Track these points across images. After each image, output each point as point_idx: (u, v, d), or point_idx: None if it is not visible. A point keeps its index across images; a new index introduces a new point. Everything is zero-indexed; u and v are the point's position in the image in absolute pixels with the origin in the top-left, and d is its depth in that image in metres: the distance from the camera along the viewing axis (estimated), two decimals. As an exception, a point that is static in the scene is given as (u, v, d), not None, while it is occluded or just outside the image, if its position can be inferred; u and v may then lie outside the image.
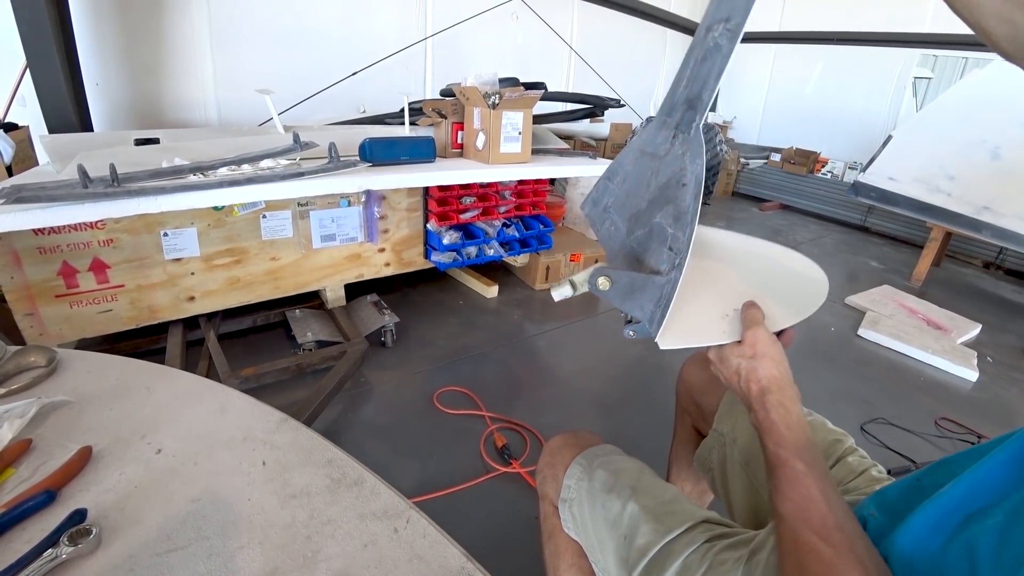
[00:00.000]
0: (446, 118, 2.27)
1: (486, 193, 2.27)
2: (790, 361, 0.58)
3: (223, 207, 1.76)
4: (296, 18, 3.28)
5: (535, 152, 2.39)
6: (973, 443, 1.75)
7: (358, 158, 1.97)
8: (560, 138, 3.02)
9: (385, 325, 2.02)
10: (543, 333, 2.29)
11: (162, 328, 1.82)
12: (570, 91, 4.30)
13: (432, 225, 2.22)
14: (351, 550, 0.50)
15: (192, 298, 1.82)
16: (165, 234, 1.70)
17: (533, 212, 2.47)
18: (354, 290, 2.23)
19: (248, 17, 3.10)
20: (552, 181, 3.17)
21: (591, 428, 0.92)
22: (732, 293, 0.64)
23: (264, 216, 1.87)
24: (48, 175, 1.65)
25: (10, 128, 2.23)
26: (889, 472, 0.72)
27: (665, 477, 1.12)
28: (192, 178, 1.56)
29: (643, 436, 1.64)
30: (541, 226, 2.48)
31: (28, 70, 2.30)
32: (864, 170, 3.16)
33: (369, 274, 2.24)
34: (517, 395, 1.83)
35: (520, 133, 2.17)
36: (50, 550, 0.46)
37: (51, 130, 2.28)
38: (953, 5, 0.39)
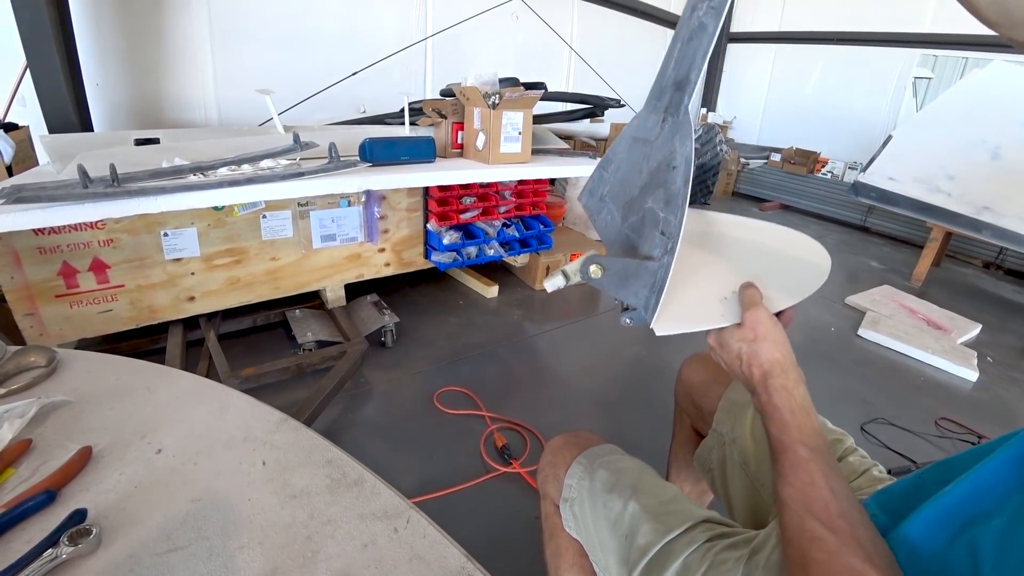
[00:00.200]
0: (446, 118, 2.27)
1: (486, 193, 2.27)
2: None
3: (223, 207, 1.76)
4: (296, 18, 3.28)
5: (535, 152, 2.39)
6: (973, 443, 1.75)
7: (358, 158, 1.97)
8: (560, 138, 3.02)
9: (385, 325, 2.02)
10: (543, 333, 2.29)
11: (162, 328, 1.82)
12: (570, 91, 4.30)
13: (432, 225, 2.22)
14: (351, 550, 0.50)
15: (192, 298, 1.82)
16: (165, 234, 1.69)
17: (533, 212, 2.47)
18: (354, 290, 2.23)
19: (248, 17, 3.10)
20: (552, 181, 3.18)
21: (591, 428, 0.92)
22: (729, 275, 0.63)
23: (264, 216, 1.86)
24: (48, 175, 1.65)
25: (10, 128, 2.23)
26: (889, 472, 0.72)
27: (665, 478, 1.12)
28: (192, 178, 1.56)
29: (643, 436, 1.64)
30: (541, 226, 2.47)
31: (28, 70, 2.30)
32: (864, 170, 3.16)
33: (369, 274, 2.24)
34: (517, 395, 1.83)
35: (520, 133, 2.17)
36: (50, 550, 0.46)
37: (51, 130, 2.28)
38: None
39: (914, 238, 4.21)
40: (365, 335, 1.94)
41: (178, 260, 1.75)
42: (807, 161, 5.10)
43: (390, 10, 3.67)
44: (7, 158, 2.04)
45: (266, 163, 1.75)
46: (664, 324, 0.57)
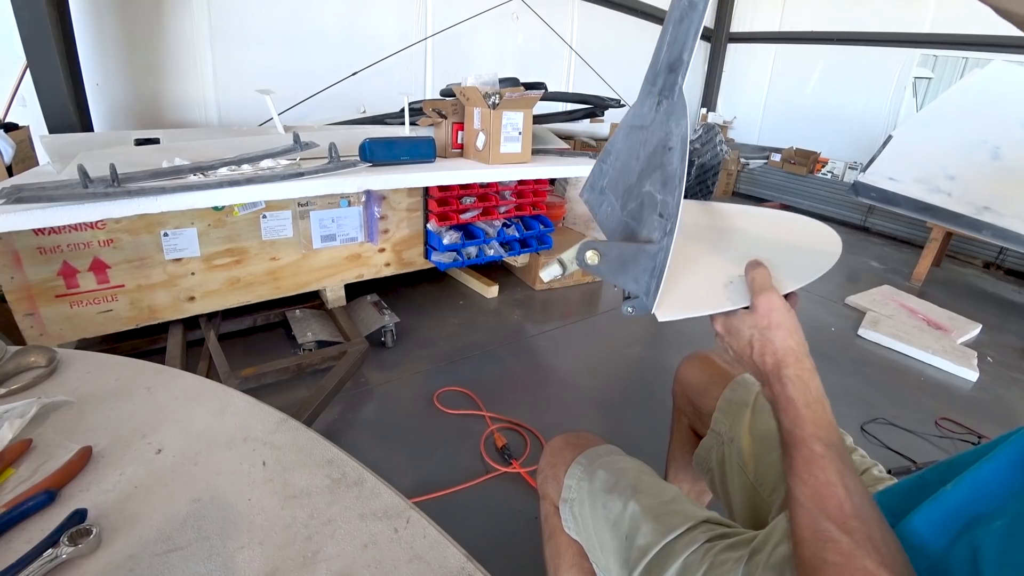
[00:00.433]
0: (446, 118, 2.27)
1: (486, 193, 2.27)
2: None
3: (223, 207, 1.76)
4: (296, 18, 3.28)
5: (535, 152, 2.39)
6: (974, 443, 1.75)
7: (358, 158, 1.97)
8: (560, 138, 3.02)
9: (385, 325, 2.02)
10: (543, 333, 2.29)
11: (162, 328, 1.82)
12: (570, 91, 4.30)
13: (432, 225, 2.22)
14: (351, 550, 0.50)
15: (192, 298, 1.82)
16: (165, 234, 1.70)
17: (533, 212, 2.46)
18: (354, 290, 2.23)
19: (248, 17, 3.10)
20: (552, 181, 3.17)
21: (591, 428, 0.92)
22: (734, 258, 0.62)
23: (264, 216, 1.86)
24: (48, 175, 1.65)
25: (10, 128, 2.23)
26: (889, 472, 0.72)
27: (663, 478, 1.12)
28: (192, 178, 1.56)
29: (643, 436, 1.64)
30: (541, 226, 2.47)
31: (28, 70, 2.30)
32: (864, 170, 3.16)
33: (369, 274, 2.24)
34: (517, 395, 1.83)
35: (520, 133, 2.17)
36: (50, 550, 0.46)
37: (51, 130, 2.28)
38: None
39: (914, 238, 4.21)
40: (365, 335, 1.94)
41: (178, 260, 1.75)
42: (807, 161, 5.10)
43: (390, 10, 3.67)
44: (7, 158, 2.04)
45: (266, 163, 1.75)
46: (666, 310, 0.55)
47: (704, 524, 0.65)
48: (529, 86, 2.16)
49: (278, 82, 2.46)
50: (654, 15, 5.35)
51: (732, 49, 6.44)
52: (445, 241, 2.18)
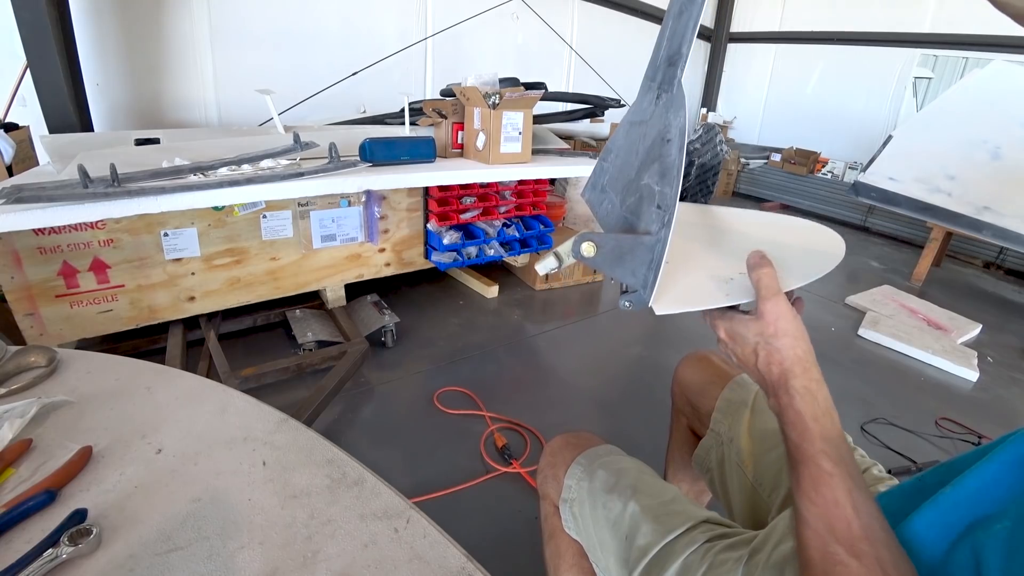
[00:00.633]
0: (446, 118, 2.27)
1: (486, 193, 2.27)
2: None
3: (223, 207, 1.76)
4: (296, 18, 3.28)
5: (535, 152, 2.39)
6: (974, 443, 1.75)
7: (358, 158, 1.97)
8: (560, 138, 3.02)
9: (385, 325, 2.02)
10: (543, 333, 2.29)
11: (162, 328, 1.82)
12: (570, 91, 4.30)
13: (432, 225, 2.22)
14: (351, 550, 0.50)
15: (192, 298, 1.82)
16: (165, 234, 1.70)
17: (533, 212, 2.46)
18: (354, 290, 2.23)
19: (248, 17, 3.10)
20: (552, 181, 3.17)
21: (591, 428, 0.92)
22: (733, 258, 0.61)
23: (264, 216, 1.87)
24: (48, 175, 1.65)
25: (10, 128, 2.23)
26: (889, 472, 0.72)
27: (663, 478, 1.12)
28: (192, 178, 1.56)
29: (643, 436, 1.64)
30: (541, 226, 2.47)
31: (28, 70, 2.30)
32: (864, 170, 3.14)
33: (369, 274, 2.24)
34: (517, 395, 1.83)
35: (520, 133, 2.17)
36: (50, 550, 0.46)
37: (51, 130, 2.28)
38: None
39: (914, 238, 4.21)
40: (365, 335, 1.94)
41: (178, 260, 1.75)
42: (807, 161, 5.10)
43: (390, 10, 3.68)
44: (7, 158, 2.04)
45: (266, 163, 1.75)
46: (664, 304, 0.54)
47: (704, 524, 0.65)
48: (529, 86, 2.16)
49: (278, 82, 2.46)
50: (654, 15, 5.35)
51: (732, 49, 6.44)
52: (445, 241, 2.18)
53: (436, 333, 2.20)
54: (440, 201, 2.15)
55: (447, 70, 4.01)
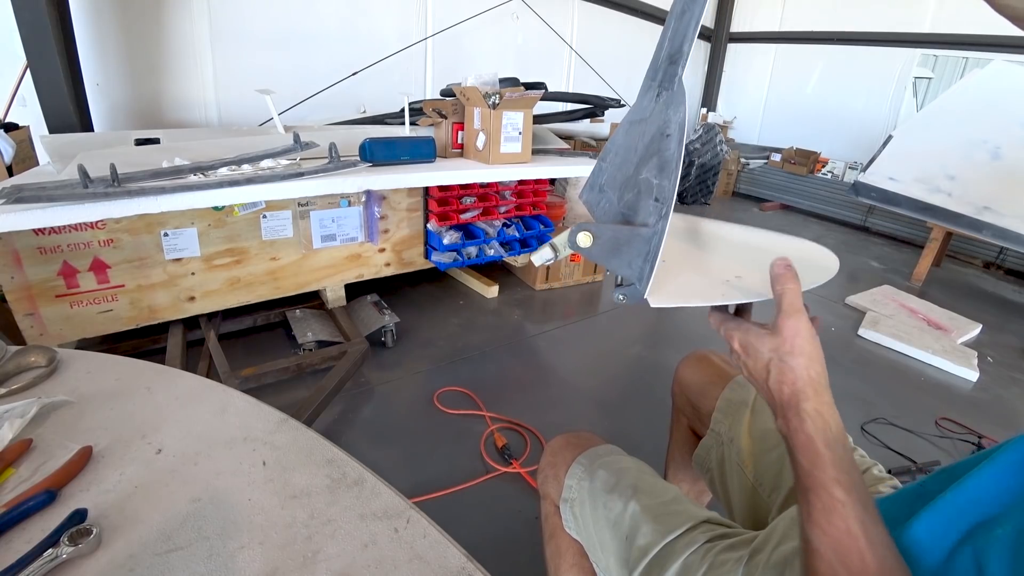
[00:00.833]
0: (446, 118, 2.27)
1: (486, 193, 2.27)
2: None
3: (223, 207, 1.76)
4: (296, 18, 3.28)
5: (535, 152, 2.39)
6: (974, 443, 1.75)
7: (358, 158, 1.97)
8: (560, 138, 3.02)
9: (385, 325, 2.02)
10: (543, 333, 2.29)
11: (162, 328, 1.82)
12: (570, 91, 4.30)
13: (432, 225, 2.22)
14: (351, 550, 0.50)
15: (192, 298, 1.82)
16: (165, 234, 1.70)
17: (533, 212, 2.46)
18: (354, 290, 2.23)
19: (248, 17, 3.10)
20: (552, 181, 3.17)
21: (591, 428, 0.92)
22: (732, 263, 0.61)
23: (264, 216, 1.87)
24: (48, 175, 1.65)
25: (10, 128, 2.23)
26: (889, 472, 0.72)
27: (663, 478, 1.12)
28: (192, 178, 1.56)
29: (643, 436, 1.64)
30: (541, 226, 2.47)
31: (28, 70, 2.30)
32: (864, 170, 3.16)
33: (369, 274, 2.24)
34: (517, 395, 1.83)
35: (520, 133, 2.17)
36: (50, 550, 0.46)
37: (51, 130, 2.28)
38: None
39: (914, 238, 4.21)
40: (365, 335, 1.94)
41: (178, 260, 1.75)
42: (807, 161, 5.10)
43: (390, 10, 3.68)
44: (7, 158, 2.04)
45: (266, 163, 1.75)
46: (659, 296, 0.54)
47: (704, 524, 0.65)
48: (529, 86, 2.16)
49: (278, 82, 2.46)
50: (654, 15, 5.35)
51: (732, 49, 6.44)
52: (445, 241, 2.18)
53: (436, 333, 2.20)
54: (440, 201, 2.15)
55: (447, 70, 4.01)
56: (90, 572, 0.46)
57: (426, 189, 2.19)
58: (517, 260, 2.72)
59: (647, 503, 0.67)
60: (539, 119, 2.85)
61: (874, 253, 4.01)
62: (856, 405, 1.92)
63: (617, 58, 5.13)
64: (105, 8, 2.64)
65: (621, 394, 1.92)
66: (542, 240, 2.51)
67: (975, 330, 2.62)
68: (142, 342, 1.83)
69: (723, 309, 0.58)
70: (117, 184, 1.40)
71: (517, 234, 2.42)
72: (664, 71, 0.57)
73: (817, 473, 0.43)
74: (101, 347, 1.76)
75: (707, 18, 6.21)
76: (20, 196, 1.28)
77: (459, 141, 2.32)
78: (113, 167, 1.40)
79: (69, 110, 2.32)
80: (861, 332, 2.50)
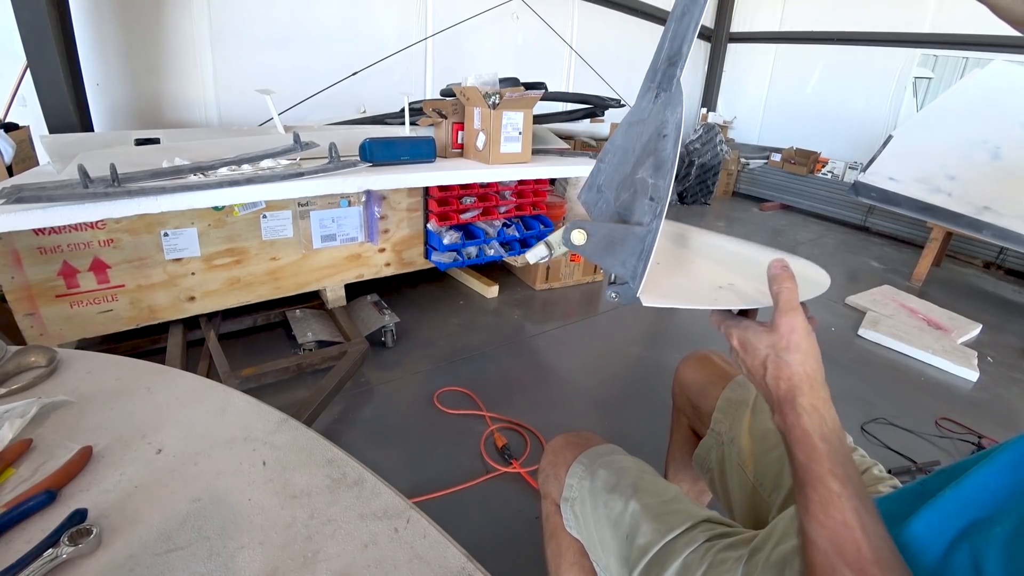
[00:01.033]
0: (446, 118, 2.27)
1: (486, 193, 2.27)
2: None
3: (223, 207, 1.76)
4: (296, 18, 3.28)
5: (535, 152, 2.39)
6: (974, 443, 1.75)
7: (358, 158, 1.97)
8: (560, 138, 3.02)
9: (385, 325, 2.02)
10: (543, 333, 2.29)
11: (162, 328, 1.82)
12: (570, 91, 4.30)
13: (432, 225, 2.22)
14: (351, 550, 0.50)
15: (192, 298, 1.82)
16: (165, 234, 1.70)
17: (533, 212, 2.47)
18: (354, 290, 2.23)
19: (248, 17, 3.10)
20: (552, 181, 3.17)
21: (592, 428, 0.92)
22: (725, 271, 0.62)
23: (264, 216, 1.87)
24: (48, 175, 1.65)
25: (10, 128, 2.23)
26: (889, 472, 0.72)
27: (663, 478, 1.12)
28: (192, 178, 1.56)
29: (644, 436, 1.64)
30: (541, 226, 2.47)
31: (28, 70, 2.30)
32: (864, 170, 3.16)
33: (369, 274, 2.24)
34: (517, 395, 1.83)
35: (520, 133, 2.17)
36: (50, 550, 0.46)
37: (51, 130, 2.28)
38: None
39: (914, 238, 4.21)
40: (365, 335, 1.94)
41: (178, 260, 1.75)
42: (807, 161, 5.10)
43: (390, 10, 3.67)
44: (7, 158, 2.04)
45: (266, 163, 1.75)
46: (652, 296, 0.54)
47: (704, 524, 0.65)
48: (529, 86, 2.16)
49: (278, 82, 2.46)
50: (654, 15, 5.35)
51: (732, 49, 6.44)
52: (445, 241, 2.18)
53: (436, 333, 2.20)
54: (440, 201, 2.15)
55: (447, 70, 4.01)
56: (90, 572, 0.46)
57: (426, 189, 2.19)
58: (517, 260, 2.72)
59: (647, 502, 0.67)
60: (539, 119, 2.85)
61: (874, 253, 4.01)
62: (856, 405, 1.92)
63: (617, 58, 5.13)
64: (105, 8, 2.64)
65: (621, 394, 1.92)
66: (542, 240, 2.50)
67: (975, 330, 2.62)
68: (142, 342, 1.83)
69: (726, 310, 0.58)
70: (117, 184, 1.40)
71: (517, 234, 2.42)
72: (663, 72, 0.57)
73: (813, 466, 0.44)
74: (101, 347, 1.76)
75: (707, 18, 6.21)
76: (20, 196, 1.28)
77: (459, 141, 2.32)
78: (113, 167, 1.40)
79: (69, 110, 2.32)
80: (861, 332, 2.50)
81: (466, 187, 2.20)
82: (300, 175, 1.69)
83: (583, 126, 4.26)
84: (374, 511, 0.54)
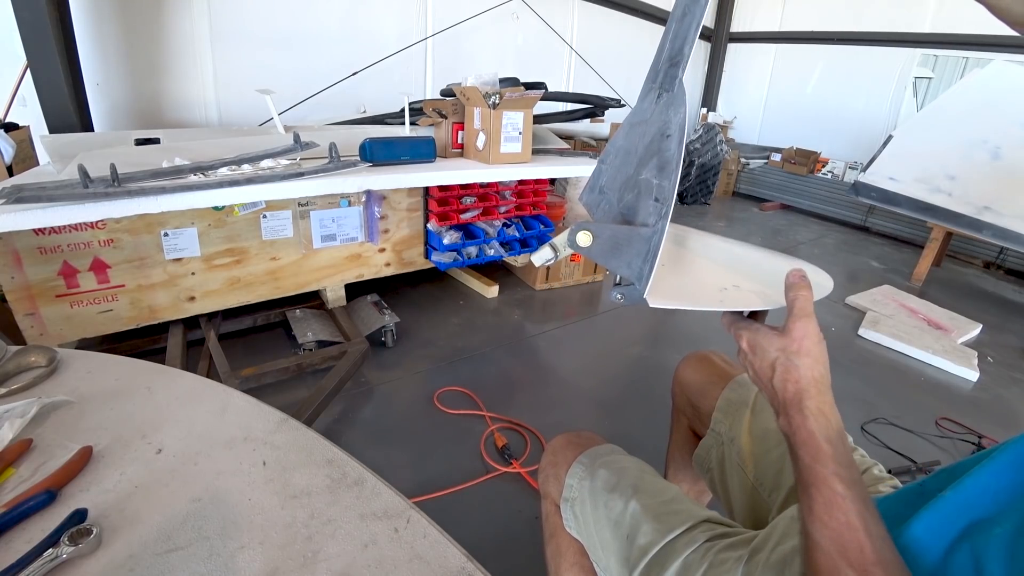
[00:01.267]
0: (446, 118, 2.27)
1: (486, 193, 2.27)
2: None
3: (223, 207, 1.76)
4: (296, 18, 3.28)
5: (535, 152, 2.39)
6: (974, 443, 1.75)
7: (358, 158, 1.97)
8: (560, 138, 3.02)
9: (385, 325, 2.02)
10: (543, 333, 2.29)
11: (162, 328, 1.82)
12: (570, 91, 4.30)
13: (432, 225, 2.22)
14: (351, 550, 0.50)
15: (192, 298, 1.82)
16: (165, 234, 1.70)
17: (533, 212, 2.47)
18: (354, 290, 2.23)
19: (248, 17, 3.10)
20: (552, 181, 3.17)
21: (592, 428, 0.92)
22: (730, 273, 0.62)
23: (264, 216, 1.87)
24: (49, 175, 1.65)
25: (11, 128, 2.23)
26: (889, 472, 0.72)
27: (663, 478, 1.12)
28: (192, 178, 1.56)
29: (644, 436, 1.64)
30: (541, 226, 2.47)
31: (28, 70, 2.30)
32: (865, 170, 3.16)
33: (369, 274, 2.24)
34: (517, 395, 1.83)
35: (520, 133, 2.17)
36: (50, 550, 0.46)
37: (51, 130, 2.28)
38: None
39: (914, 238, 4.21)
40: (365, 335, 1.94)
41: (178, 260, 1.75)
42: (807, 161, 5.10)
43: (390, 10, 3.67)
44: (7, 158, 2.04)
45: (266, 163, 1.75)
46: (658, 297, 0.54)
47: (704, 524, 0.65)
48: (529, 86, 2.16)
49: (278, 82, 2.46)
50: (654, 15, 5.35)
51: (732, 49, 6.44)
52: (445, 241, 2.18)
53: (436, 333, 2.20)
54: (440, 201, 2.15)
55: (447, 70, 4.01)
56: (90, 572, 0.46)
57: (426, 189, 2.19)
58: (517, 260, 2.72)
59: (648, 502, 0.67)
60: (539, 119, 2.85)
61: (874, 253, 4.01)
62: (856, 405, 1.92)
63: (617, 58, 5.13)
64: (105, 8, 2.64)
65: (621, 394, 1.92)
66: (542, 240, 2.50)
67: (975, 330, 2.62)
68: (142, 342, 1.83)
69: (736, 312, 0.59)
70: (117, 184, 1.40)
71: (517, 234, 2.42)
72: (665, 73, 0.57)
73: (818, 468, 0.45)
74: (101, 347, 1.76)
75: (707, 18, 6.19)
76: (20, 196, 1.28)
77: (459, 141, 2.32)
78: (113, 167, 1.40)
79: (69, 110, 2.32)
80: (861, 332, 2.50)
81: (466, 187, 2.20)
82: (300, 175, 1.69)
83: (583, 126, 4.26)
84: (374, 511, 0.54)
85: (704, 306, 0.56)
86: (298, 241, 1.98)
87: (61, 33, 2.23)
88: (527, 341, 2.22)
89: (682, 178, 4.86)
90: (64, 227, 1.52)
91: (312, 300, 2.21)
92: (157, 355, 1.73)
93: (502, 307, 2.50)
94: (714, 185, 4.99)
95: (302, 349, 1.87)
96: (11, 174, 1.96)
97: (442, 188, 2.14)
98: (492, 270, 2.79)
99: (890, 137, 3.24)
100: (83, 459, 0.57)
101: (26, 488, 0.53)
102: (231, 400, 0.70)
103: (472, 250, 2.29)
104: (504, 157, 2.16)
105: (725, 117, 6.41)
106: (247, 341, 2.02)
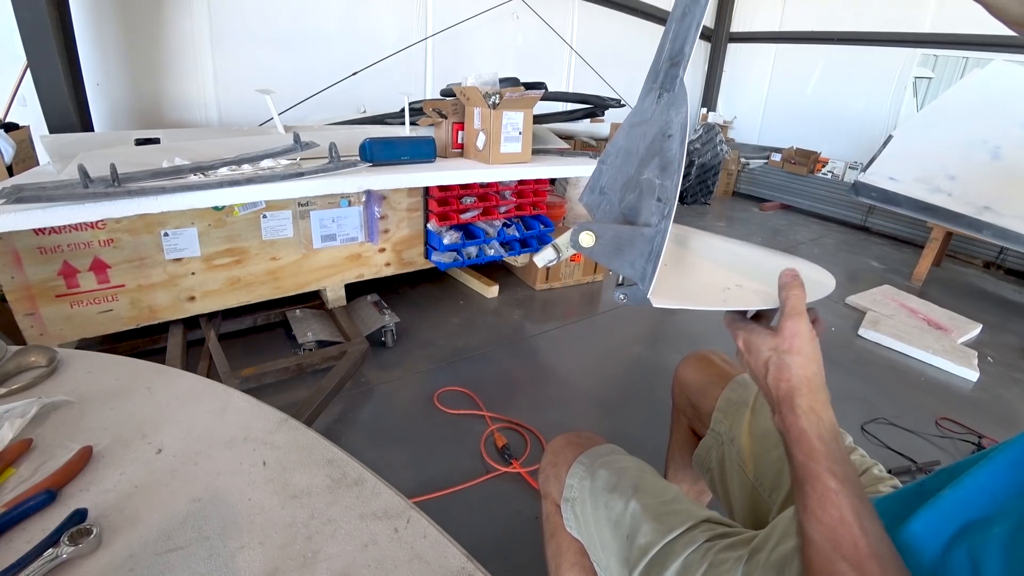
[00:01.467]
0: (446, 118, 2.27)
1: (486, 193, 2.27)
2: None
3: (223, 207, 1.76)
4: (296, 18, 3.28)
5: (535, 152, 2.39)
6: (974, 443, 1.75)
7: (358, 158, 1.97)
8: (560, 138, 3.02)
9: (385, 325, 2.02)
10: (543, 333, 2.29)
11: (162, 328, 1.82)
12: (570, 91, 4.30)
13: (432, 225, 2.22)
14: (351, 550, 0.50)
15: (192, 298, 1.82)
16: (165, 234, 1.70)
17: (533, 212, 2.47)
18: (354, 290, 2.23)
19: (248, 17, 3.10)
20: (552, 181, 3.17)
21: (592, 428, 0.92)
22: (732, 273, 0.62)
23: (264, 216, 1.87)
24: (49, 175, 1.65)
25: (11, 128, 2.23)
26: (889, 472, 0.72)
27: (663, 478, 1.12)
28: (192, 178, 1.56)
29: (644, 436, 1.64)
30: (541, 226, 2.47)
31: (28, 70, 2.30)
32: (865, 170, 3.16)
33: (369, 274, 2.24)
34: (517, 395, 1.83)
35: (520, 133, 2.17)
36: (50, 550, 0.45)
37: (52, 130, 2.28)
38: None
39: (914, 238, 4.21)
40: (365, 335, 1.94)
41: (178, 260, 1.75)
42: (807, 161, 5.10)
43: (390, 10, 3.67)
44: (7, 158, 2.04)
45: (266, 163, 1.75)
46: (661, 297, 0.54)
47: (704, 524, 0.65)
48: (529, 86, 2.16)
49: (278, 82, 2.46)
50: (654, 15, 5.35)
51: (732, 49, 6.44)
52: (445, 241, 2.18)
53: (436, 333, 2.20)
54: (440, 201, 2.15)
55: (447, 70, 4.01)
56: (90, 572, 0.46)
57: (426, 189, 2.19)
58: (517, 260, 2.72)
59: (648, 502, 0.67)
60: (539, 119, 2.85)
61: (874, 253, 4.01)
62: (856, 405, 1.92)
63: (617, 58, 5.13)
64: (105, 8, 2.64)
65: (621, 394, 1.92)
66: (542, 240, 2.51)
67: (975, 330, 2.62)
68: (142, 342, 1.83)
69: (739, 312, 0.59)
70: (117, 184, 1.40)
71: (517, 234, 2.41)
72: (665, 73, 0.57)
73: (811, 464, 0.45)
74: (101, 347, 1.76)
75: (707, 18, 6.19)
76: (20, 196, 1.28)
77: (459, 141, 2.32)
78: (113, 167, 1.40)
79: (69, 110, 2.32)
80: (861, 332, 2.50)
81: (466, 187, 2.20)
82: (300, 175, 1.69)
83: (583, 126, 4.26)
84: (374, 511, 0.54)
85: (707, 306, 0.56)
86: (298, 241, 1.98)
87: (61, 33, 2.23)
88: (527, 341, 2.22)
89: (682, 178, 4.86)
90: (64, 227, 1.52)
91: (312, 300, 2.21)
92: (157, 355, 1.73)
93: (502, 307, 2.50)
94: (714, 185, 4.99)
95: (302, 349, 1.87)
96: (11, 174, 1.96)
97: (442, 188, 2.14)
98: (492, 270, 2.79)
99: (890, 137, 3.24)
100: (83, 459, 0.57)
101: (26, 488, 0.53)
102: (231, 400, 0.70)
103: (472, 250, 2.29)
104: (504, 157, 2.16)
105: (725, 117, 6.41)
106: (247, 341, 2.02)
